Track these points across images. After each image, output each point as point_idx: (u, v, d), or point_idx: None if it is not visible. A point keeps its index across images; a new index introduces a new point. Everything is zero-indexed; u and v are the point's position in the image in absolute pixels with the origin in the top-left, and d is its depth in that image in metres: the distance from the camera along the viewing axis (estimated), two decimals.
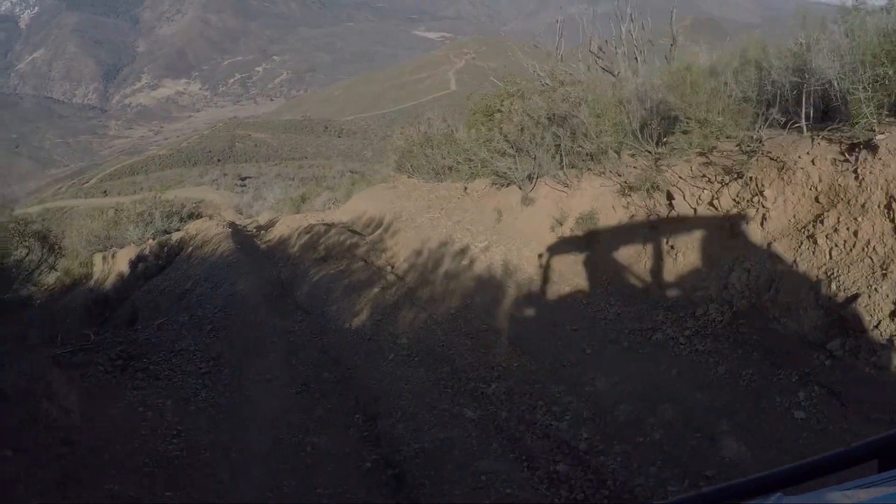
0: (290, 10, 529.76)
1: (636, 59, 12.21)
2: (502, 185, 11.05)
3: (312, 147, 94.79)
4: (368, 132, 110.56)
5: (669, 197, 7.80)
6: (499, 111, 11.75)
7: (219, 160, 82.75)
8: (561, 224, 9.30)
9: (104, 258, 15.19)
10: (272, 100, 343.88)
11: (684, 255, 7.36)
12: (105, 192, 59.74)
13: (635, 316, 7.20)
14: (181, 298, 10.40)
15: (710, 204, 7.26)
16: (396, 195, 13.31)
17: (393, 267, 10.24)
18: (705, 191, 7.32)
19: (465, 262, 9.39)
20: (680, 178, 7.67)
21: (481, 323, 7.93)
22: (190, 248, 13.08)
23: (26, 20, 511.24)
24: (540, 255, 9.12)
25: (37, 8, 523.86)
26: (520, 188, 10.35)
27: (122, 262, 14.40)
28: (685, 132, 7.60)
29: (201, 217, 17.04)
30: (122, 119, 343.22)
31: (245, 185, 46.56)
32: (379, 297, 8.90)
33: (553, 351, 7.02)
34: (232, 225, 14.55)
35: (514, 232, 9.82)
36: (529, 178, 10.18)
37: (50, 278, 14.81)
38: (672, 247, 7.54)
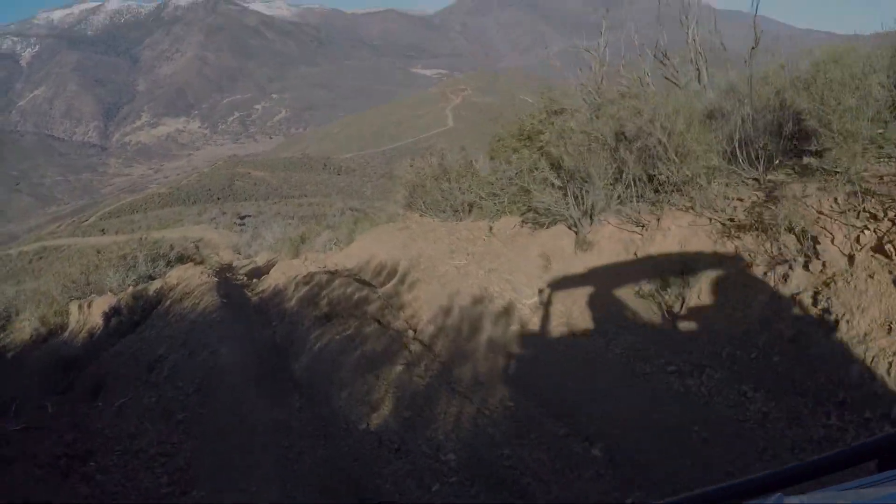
0: (288, 49, 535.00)
1: (700, 68, 10.06)
2: (541, 225, 9.04)
3: (312, 185, 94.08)
4: (367, 169, 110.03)
5: (813, 240, 5.38)
6: (540, 133, 9.75)
7: (218, 198, 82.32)
8: None
9: (80, 307, 12.87)
10: (271, 137, 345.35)
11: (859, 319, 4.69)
12: (103, 230, 58.69)
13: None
14: (151, 369, 8.31)
15: (878, 249, 4.93)
16: (410, 236, 11.32)
17: (416, 331, 7.92)
18: (866, 231, 5.10)
19: (513, 325, 7.20)
20: (820, 213, 5.48)
21: (556, 422, 5.33)
22: (168, 302, 10.90)
23: (27, 58, 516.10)
24: None
25: (38, 46, 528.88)
26: (572, 228, 8.32)
27: (97, 313, 12.24)
28: (818, 152, 5.60)
29: (190, 261, 14.91)
30: (122, 157, 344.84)
31: (244, 224, 45.28)
32: (404, 379, 6.54)
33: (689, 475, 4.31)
34: (220, 273, 12.47)
35: (570, 283, 7.68)
36: (586, 214, 8.16)
37: (28, 327, 13.10)
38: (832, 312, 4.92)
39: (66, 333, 12.73)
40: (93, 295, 13.20)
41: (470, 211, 11.65)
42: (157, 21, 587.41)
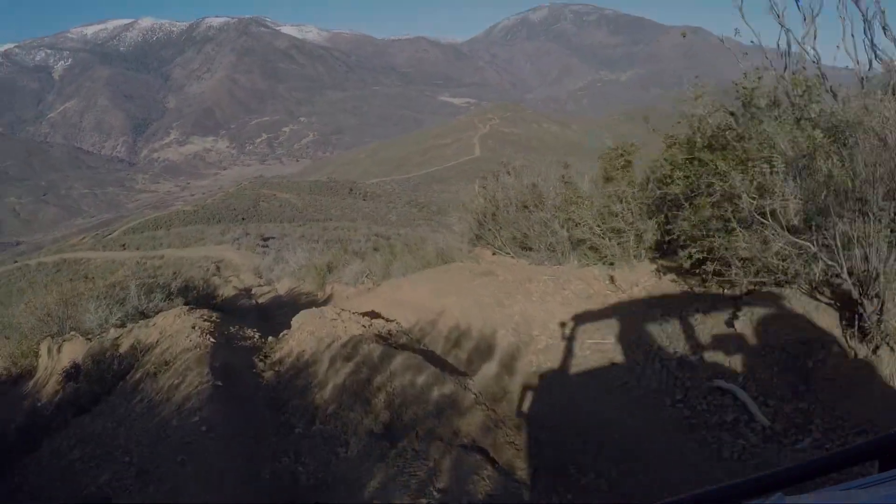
0: (318, 73, 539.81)
1: None
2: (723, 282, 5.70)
3: (337, 209, 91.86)
4: (393, 196, 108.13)
5: None
6: (737, 139, 6.14)
7: (242, 218, 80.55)
8: None
9: (49, 350, 9.88)
10: (298, 160, 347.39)
11: None
12: (123, 245, 56.73)
13: None
14: None
15: None
16: (497, 286, 8.03)
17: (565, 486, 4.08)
18: None
19: None
20: None
21: None
22: (139, 373, 7.38)
23: (60, 71, 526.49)
24: None
25: (70, 60, 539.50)
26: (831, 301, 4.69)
27: (66, 359, 9.22)
28: None
29: (184, 304, 11.32)
30: (150, 173, 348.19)
31: (267, 246, 42.85)
32: None
33: None
34: (218, 327, 8.52)
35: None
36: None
37: None
38: None
39: (31, 383, 9.86)
40: (71, 333, 10.02)
41: (572, 250, 8.26)
42: (188, 40, 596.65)
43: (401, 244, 15.05)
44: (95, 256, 52.00)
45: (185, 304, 10.67)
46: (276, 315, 15.39)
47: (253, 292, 22.23)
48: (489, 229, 9.86)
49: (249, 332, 9.10)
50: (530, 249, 8.87)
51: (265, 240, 46.54)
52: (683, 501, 1.32)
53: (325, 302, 14.89)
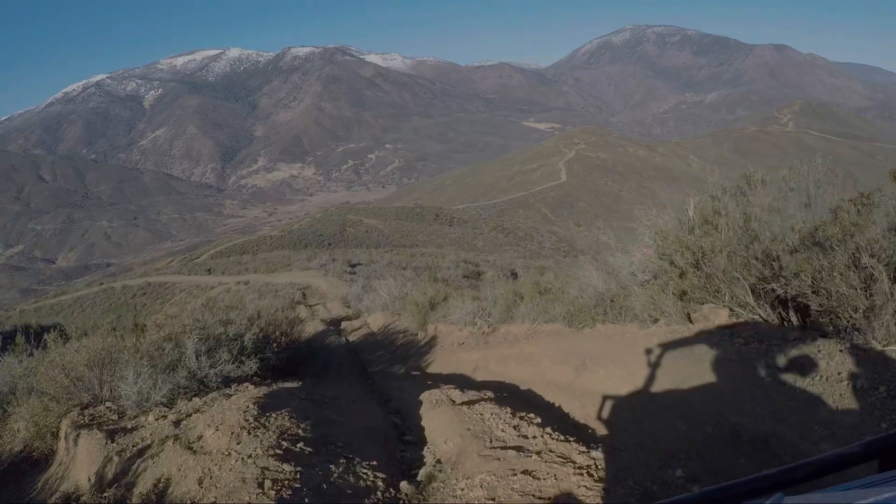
0: (403, 100, 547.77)
1: None
2: None
3: (423, 235, 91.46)
4: (479, 221, 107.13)
5: None
6: None
7: (329, 244, 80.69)
8: None
9: (66, 436, 7.04)
10: (384, 186, 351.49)
11: None
12: (209, 270, 56.99)
13: None
14: None
15: None
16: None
17: None
18: None
19: None
20: None
21: None
22: None
23: (150, 101, 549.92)
24: None
25: (160, 90, 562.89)
26: None
27: (81, 460, 6.37)
28: None
29: (258, 379, 7.42)
30: (238, 199, 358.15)
31: (354, 272, 42.05)
32: None
33: None
34: (304, 468, 5.20)
35: None
36: None
37: (22, 433, 7.56)
38: None
39: (44, 478, 6.94)
40: (89, 416, 7.29)
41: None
42: (275, 70, 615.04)
43: (530, 283, 12.41)
44: (181, 280, 51.88)
45: (259, 374, 8.33)
46: (371, 360, 13.62)
47: (342, 327, 20.63)
48: (708, 274, 6.35)
49: (364, 469, 5.16)
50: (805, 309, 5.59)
51: (352, 266, 45.75)
52: (683, 501, 1.38)
53: (428, 344, 13.29)
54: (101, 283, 61.62)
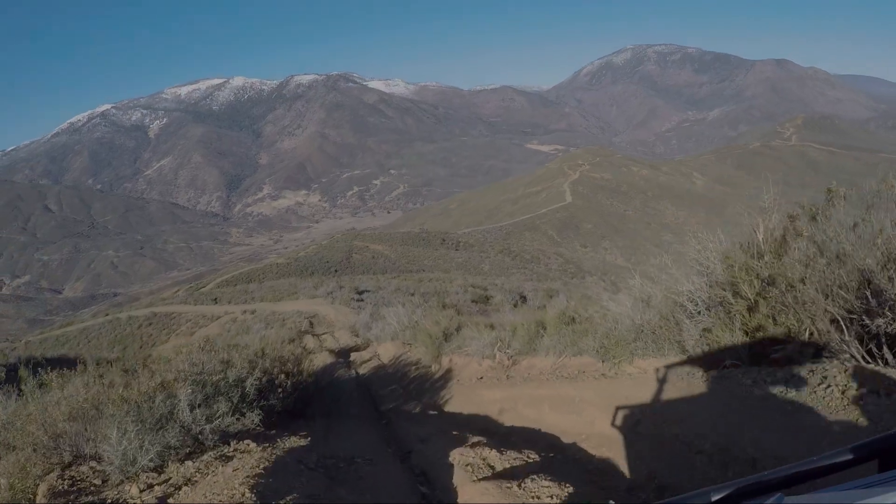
0: (406, 126, 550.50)
1: None
2: None
3: (430, 259, 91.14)
4: (485, 245, 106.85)
5: None
6: None
7: (336, 271, 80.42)
8: None
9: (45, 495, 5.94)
10: (389, 212, 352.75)
11: None
12: (215, 299, 56.34)
13: None
14: None
15: None
16: None
17: None
18: None
19: None
20: None
21: None
22: None
23: (155, 130, 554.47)
24: None
25: (165, 119, 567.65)
26: None
27: None
28: None
29: (260, 431, 6.73)
30: (244, 227, 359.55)
31: (362, 300, 41.37)
32: None
33: None
34: None
35: None
36: None
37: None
38: None
39: None
40: (71, 477, 5.68)
41: None
42: (279, 98, 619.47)
43: (556, 312, 11.44)
44: (186, 310, 51.28)
45: (263, 422, 7.50)
46: (383, 396, 12.97)
47: (351, 359, 19.81)
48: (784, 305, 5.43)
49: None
50: None
51: (360, 293, 45.15)
52: (683, 501, 1.37)
53: (444, 378, 12.41)
54: (107, 314, 61.16)
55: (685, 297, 6.74)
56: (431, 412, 10.58)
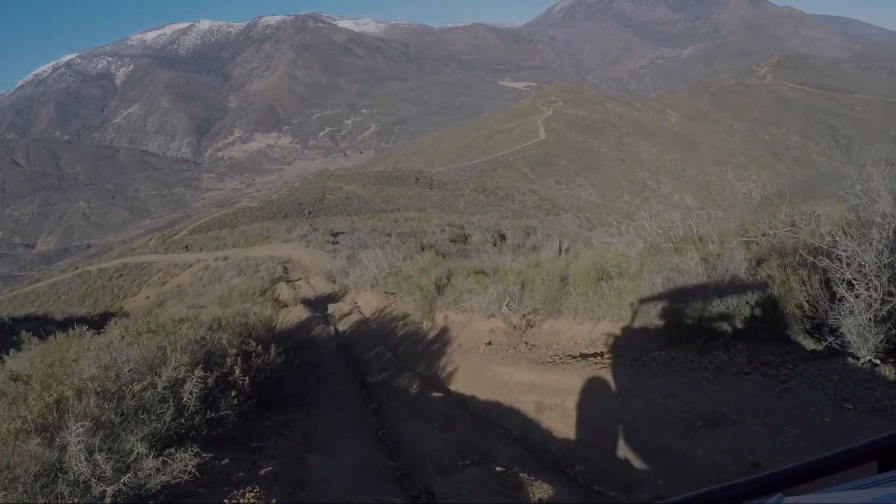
0: (377, 65, 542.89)
1: None
2: None
3: (404, 199, 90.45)
4: (460, 183, 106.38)
5: None
6: None
7: (309, 213, 79.49)
8: None
9: None
10: (361, 152, 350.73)
11: None
12: (186, 247, 55.31)
13: None
14: None
15: None
16: None
17: None
18: None
19: None
20: None
21: None
22: None
23: (122, 78, 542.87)
24: None
25: (132, 66, 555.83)
26: None
27: None
28: None
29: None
30: (215, 172, 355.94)
31: (337, 242, 40.57)
32: None
33: None
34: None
35: None
36: None
37: None
38: None
39: None
40: None
41: None
42: (247, 40, 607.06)
43: (587, 262, 8.68)
44: (158, 260, 49.89)
45: (213, 434, 5.93)
46: (370, 362, 11.03)
47: (329, 312, 17.74)
48: None
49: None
50: None
51: (334, 235, 44.22)
52: (683, 501, 1.35)
53: (440, 341, 10.55)
54: (77, 268, 59.93)
55: None
56: (435, 394, 8.33)
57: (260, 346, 7.62)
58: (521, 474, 5.10)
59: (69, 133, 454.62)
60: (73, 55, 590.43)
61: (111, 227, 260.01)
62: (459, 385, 8.53)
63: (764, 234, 7.13)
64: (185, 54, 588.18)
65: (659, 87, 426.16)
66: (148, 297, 40.50)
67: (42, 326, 22.73)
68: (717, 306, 6.04)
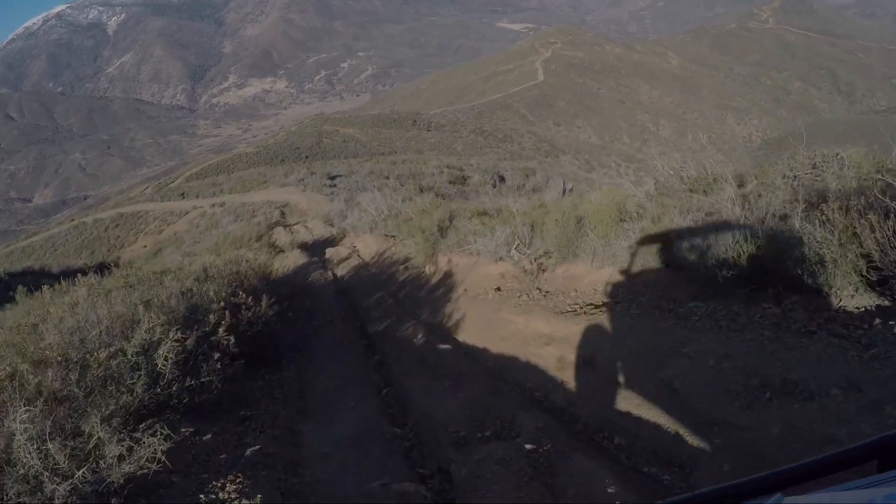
0: (373, 7, 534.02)
1: None
2: None
3: (402, 141, 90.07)
4: (458, 125, 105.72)
5: None
6: None
7: (306, 157, 79.23)
8: None
9: None
10: (358, 95, 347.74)
11: None
12: (182, 194, 54.98)
13: None
14: None
15: None
16: None
17: None
18: None
19: None
20: None
21: None
22: None
23: (114, 27, 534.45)
24: None
25: (123, 15, 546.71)
26: None
27: None
28: None
29: None
30: (211, 118, 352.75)
31: (335, 185, 40.22)
32: None
33: None
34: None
35: None
36: None
37: None
38: None
39: None
40: None
41: None
42: None
43: (609, 202, 7.95)
44: (154, 208, 49.95)
45: (196, 401, 5.25)
46: (369, 309, 10.49)
47: (327, 256, 17.25)
48: None
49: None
50: None
51: (332, 178, 43.79)
52: (683, 502, 1.36)
53: (444, 286, 9.95)
54: (73, 220, 59.61)
55: None
56: (442, 345, 7.61)
57: (250, 298, 7.05)
58: (553, 454, 4.33)
59: (62, 85, 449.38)
60: (64, 6, 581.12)
61: (107, 177, 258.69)
62: (468, 335, 7.91)
63: (795, 176, 6.56)
64: (177, 1, 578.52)
65: (659, 29, 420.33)
66: (145, 246, 40.43)
67: (39, 281, 22.67)
68: (766, 252, 5.27)
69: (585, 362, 5.69)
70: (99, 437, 3.62)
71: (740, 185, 6.69)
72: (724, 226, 5.72)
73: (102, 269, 19.39)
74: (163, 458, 3.70)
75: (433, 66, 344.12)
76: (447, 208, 13.17)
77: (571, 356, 5.86)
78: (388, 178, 37.19)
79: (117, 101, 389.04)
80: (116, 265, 23.37)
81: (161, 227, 43.99)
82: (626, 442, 4.58)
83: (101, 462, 3.55)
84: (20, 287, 17.31)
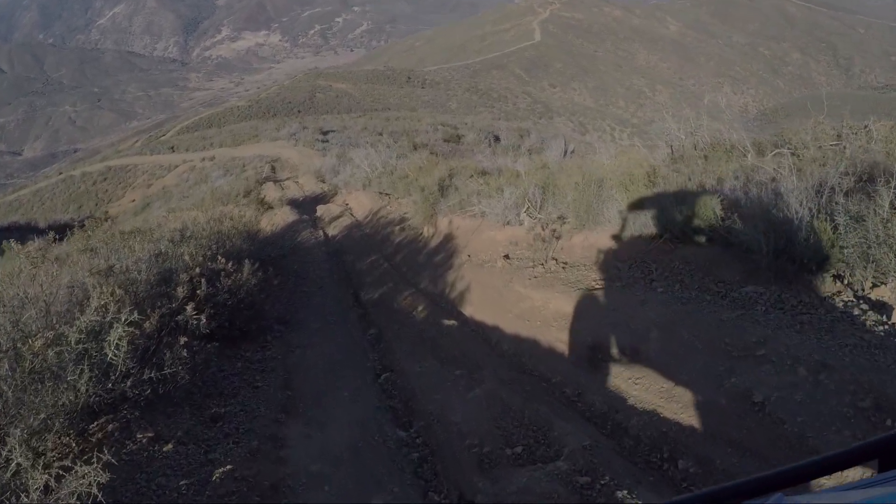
0: None
1: None
2: None
3: (395, 98, 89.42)
4: (452, 83, 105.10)
5: None
6: None
7: (299, 111, 78.48)
8: None
9: None
10: (352, 50, 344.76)
11: None
12: (172, 148, 54.35)
13: None
14: None
15: None
16: None
17: None
18: None
19: None
20: None
21: None
22: None
23: None
24: None
25: None
26: None
27: None
28: None
29: None
30: (203, 71, 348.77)
31: (327, 141, 39.77)
32: None
33: None
34: None
35: None
36: None
37: None
38: None
39: None
40: None
41: None
42: None
43: (633, 163, 7.17)
44: (143, 161, 49.40)
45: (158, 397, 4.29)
46: (363, 274, 9.86)
47: (318, 214, 16.55)
48: None
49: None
50: None
51: (324, 133, 43.35)
52: (684, 502, 1.31)
53: (445, 250, 9.19)
54: (60, 173, 58.88)
55: None
56: (447, 321, 6.87)
57: (231, 263, 6.19)
58: (613, 489, 3.43)
59: (53, 36, 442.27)
60: None
61: (98, 130, 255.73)
62: (475, 309, 7.06)
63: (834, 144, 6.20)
64: None
65: None
66: (133, 201, 40.00)
67: (25, 236, 22.47)
68: (848, 231, 4.35)
69: (624, 354, 4.87)
70: (17, 463, 2.84)
71: (759, 154, 6.38)
72: (783, 200, 4.85)
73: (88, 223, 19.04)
74: (100, 497, 2.86)
75: (429, 23, 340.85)
76: (447, 166, 12.55)
77: (605, 344, 5.03)
78: (381, 134, 37.03)
79: (109, 53, 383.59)
80: (106, 219, 22.96)
81: (150, 181, 43.47)
82: (696, 469, 3.63)
83: (21, 495, 2.78)
84: (5, 242, 16.97)
